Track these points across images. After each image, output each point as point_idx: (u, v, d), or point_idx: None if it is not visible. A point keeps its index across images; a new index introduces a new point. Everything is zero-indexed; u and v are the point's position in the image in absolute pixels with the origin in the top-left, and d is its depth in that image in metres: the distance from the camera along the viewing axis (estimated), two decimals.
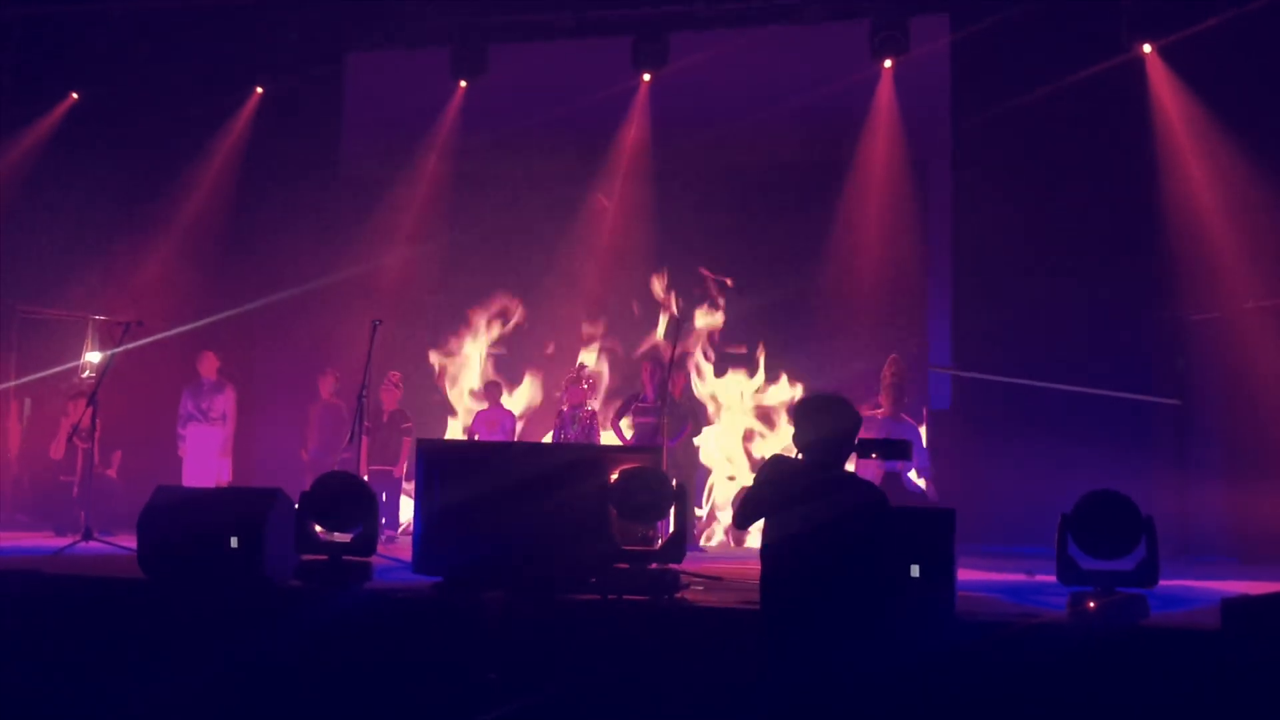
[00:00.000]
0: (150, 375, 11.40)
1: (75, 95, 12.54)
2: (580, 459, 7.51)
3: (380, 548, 7.27)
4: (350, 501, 6.91)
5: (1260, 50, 10.14)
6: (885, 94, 11.53)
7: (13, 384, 11.96)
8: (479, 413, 11.59)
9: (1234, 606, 5.29)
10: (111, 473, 11.18)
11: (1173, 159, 10.53)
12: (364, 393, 8.89)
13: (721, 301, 11.73)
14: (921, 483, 9.79)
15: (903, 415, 9.99)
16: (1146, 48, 10.65)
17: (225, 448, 11.48)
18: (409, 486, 10.67)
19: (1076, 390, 10.42)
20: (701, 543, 10.86)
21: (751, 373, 11.78)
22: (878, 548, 4.65)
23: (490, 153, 12.26)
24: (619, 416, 10.77)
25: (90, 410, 9.08)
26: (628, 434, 10.64)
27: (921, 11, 11.30)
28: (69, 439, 10.58)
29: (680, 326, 8.91)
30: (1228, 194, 10.17)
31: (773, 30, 11.61)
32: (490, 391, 11.61)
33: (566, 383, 11.07)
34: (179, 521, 6.91)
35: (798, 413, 4.79)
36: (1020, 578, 7.85)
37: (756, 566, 4.82)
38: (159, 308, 11.38)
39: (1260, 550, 9.57)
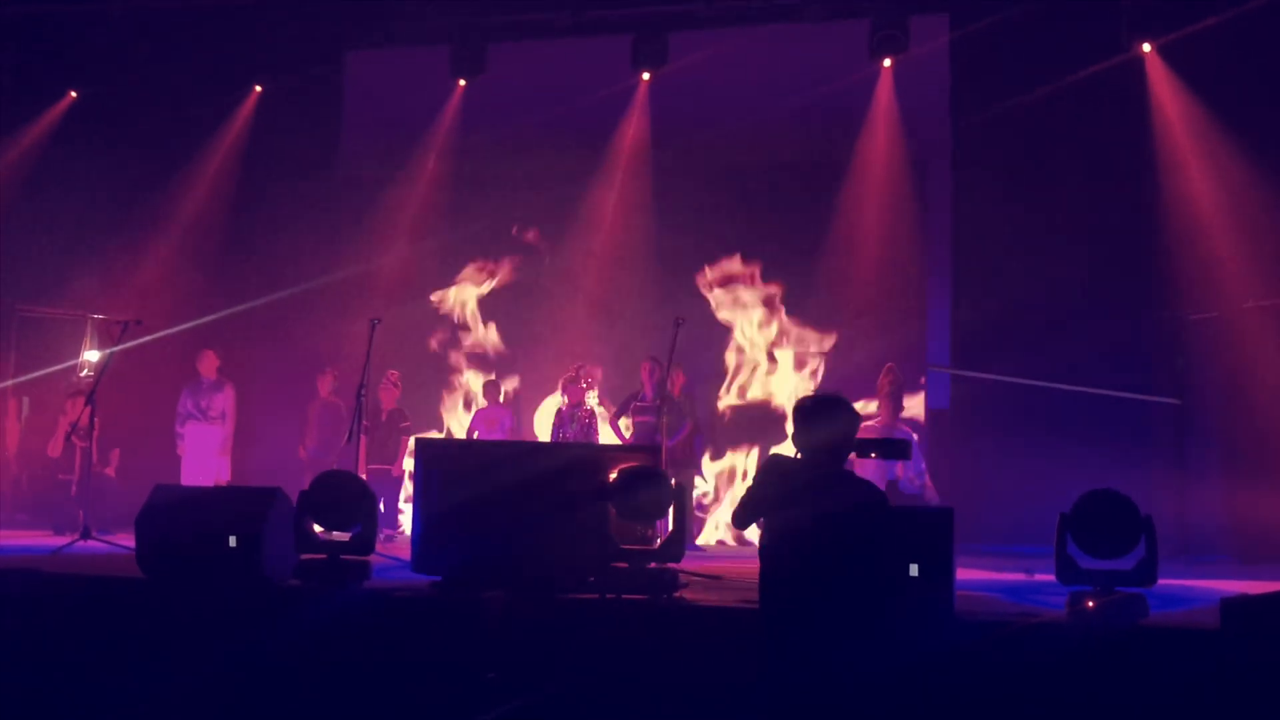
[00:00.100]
0: (149, 374, 11.40)
1: (74, 94, 12.55)
2: (579, 458, 7.51)
3: (379, 547, 7.27)
4: (349, 500, 6.90)
5: (1260, 50, 10.14)
6: (885, 93, 11.52)
7: (11, 383, 11.96)
8: (478, 411, 11.59)
9: (1233, 606, 5.28)
10: (110, 471, 11.18)
11: (1172, 158, 10.53)
12: (363, 391, 8.90)
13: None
14: (921, 482, 9.79)
15: (900, 424, 9.98)
16: (1146, 47, 10.64)
17: (224, 447, 11.48)
18: (408, 485, 10.68)
19: (1075, 390, 10.41)
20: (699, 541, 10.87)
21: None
22: (877, 547, 4.64)
23: (489, 152, 12.25)
24: (618, 415, 10.77)
25: (89, 409, 9.07)
26: (626, 433, 10.64)
27: (921, 11, 11.30)
28: (67, 438, 10.59)
29: (679, 325, 8.89)
30: (1227, 193, 10.17)
31: (772, 29, 11.61)
32: (489, 390, 11.61)
33: (565, 382, 11.07)
34: (178, 520, 6.91)
35: (797, 412, 4.78)
36: (1019, 577, 7.85)
37: (756, 565, 4.82)
38: (158, 306, 11.38)
39: (1259, 549, 9.57)
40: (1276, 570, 8.34)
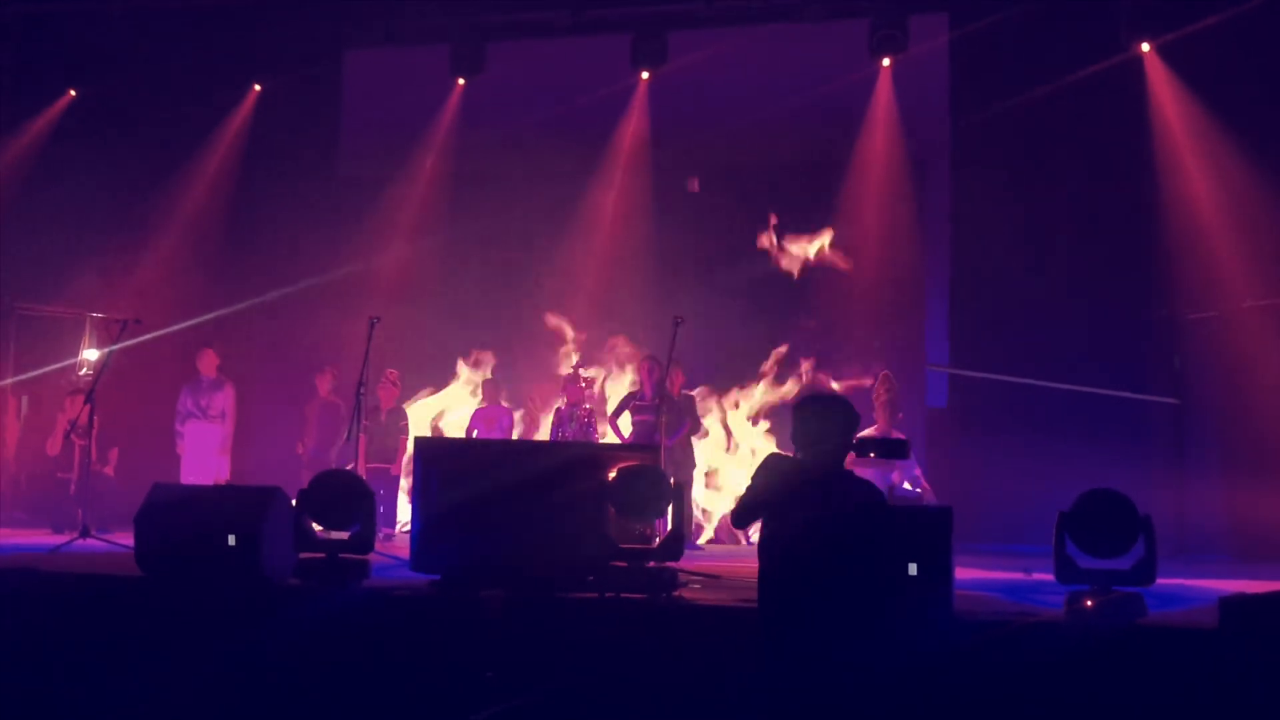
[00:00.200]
0: (148, 373, 11.41)
1: (73, 92, 12.54)
2: (578, 457, 7.52)
3: (378, 545, 7.27)
4: (348, 499, 6.90)
5: (1259, 49, 10.15)
6: (884, 92, 11.53)
7: (10, 381, 11.96)
8: (477, 410, 11.58)
9: (1232, 605, 5.28)
10: (109, 470, 11.18)
11: (1171, 158, 10.53)
12: (362, 390, 8.90)
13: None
14: (918, 490, 9.81)
15: (895, 432, 9.99)
16: (1145, 47, 10.65)
17: (224, 446, 11.48)
18: (407, 484, 10.68)
19: (1074, 389, 10.42)
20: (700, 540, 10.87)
21: None
22: (875, 546, 4.65)
23: (488, 151, 12.26)
24: (617, 414, 10.77)
25: (88, 407, 9.08)
26: (626, 432, 10.64)
27: (920, 10, 11.31)
28: (66, 436, 10.60)
29: (679, 325, 8.90)
30: (1226, 193, 10.18)
31: (772, 29, 11.62)
32: (488, 389, 11.61)
33: (564, 381, 11.07)
34: (177, 519, 6.90)
35: (796, 411, 4.78)
36: (1018, 576, 7.85)
37: (754, 565, 4.82)
38: (157, 305, 11.37)
39: (1258, 549, 9.58)
40: (1275, 569, 8.34)
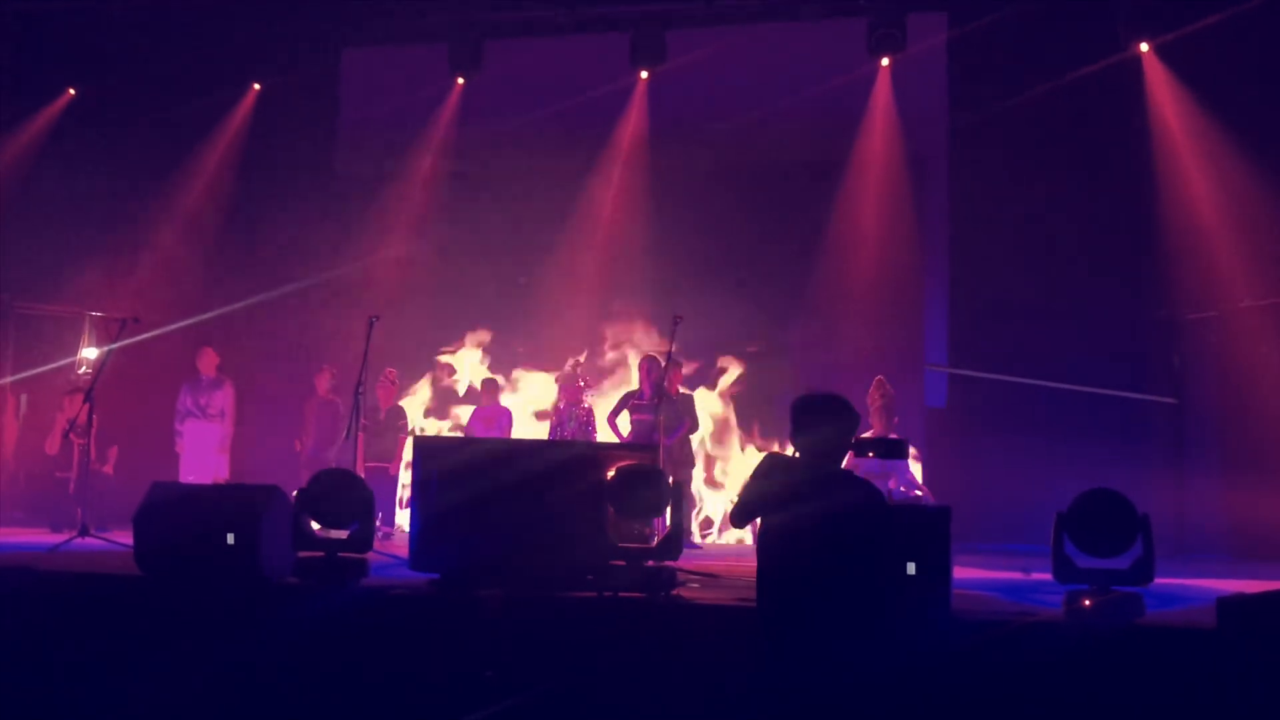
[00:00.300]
0: (147, 371, 11.40)
1: (72, 91, 12.53)
2: (577, 456, 7.52)
3: (377, 544, 7.27)
4: (347, 498, 6.90)
5: (1257, 49, 10.15)
6: (882, 91, 11.53)
7: (9, 380, 11.95)
8: (476, 410, 11.57)
9: (1230, 605, 5.29)
10: (108, 469, 11.17)
11: (1169, 158, 10.54)
12: (361, 389, 8.90)
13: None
14: (916, 492, 9.81)
15: (892, 436, 10.00)
16: (1144, 46, 10.66)
17: (223, 444, 11.47)
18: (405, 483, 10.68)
19: (1072, 389, 10.43)
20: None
21: None
22: (874, 545, 4.65)
23: (487, 150, 12.26)
24: (615, 413, 10.77)
25: (87, 406, 9.07)
26: (624, 431, 10.63)
27: (919, 9, 11.31)
28: (65, 435, 10.59)
29: (678, 324, 8.90)
30: (1224, 193, 10.18)
31: (770, 27, 11.63)
32: (487, 389, 11.60)
33: (563, 380, 11.06)
34: (175, 518, 6.91)
35: (795, 411, 4.78)
36: (1016, 576, 7.86)
37: (753, 564, 4.82)
38: (156, 304, 11.37)
39: (1256, 549, 9.59)
40: (1273, 569, 8.35)
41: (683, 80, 11.75)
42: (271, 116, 12.65)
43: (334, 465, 9.96)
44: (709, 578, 7.31)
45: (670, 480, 6.70)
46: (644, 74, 11.99)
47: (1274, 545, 9.47)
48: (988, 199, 10.97)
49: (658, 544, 6.65)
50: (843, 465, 4.89)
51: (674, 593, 6.42)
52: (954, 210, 11.50)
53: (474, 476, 6.97)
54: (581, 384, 11.00)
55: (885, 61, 11.43)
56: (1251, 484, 9.68)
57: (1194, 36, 10.07)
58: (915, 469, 10.36)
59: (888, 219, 11.41)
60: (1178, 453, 10.62)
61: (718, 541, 11.35)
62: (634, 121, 12.14)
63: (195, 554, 6.76)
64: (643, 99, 12.11)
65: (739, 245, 11.81)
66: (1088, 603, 5.75)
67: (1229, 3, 9.85)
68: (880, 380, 10.15)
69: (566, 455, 7.72)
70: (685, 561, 6.96)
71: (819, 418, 4.72)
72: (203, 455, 11.27)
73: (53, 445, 11.00)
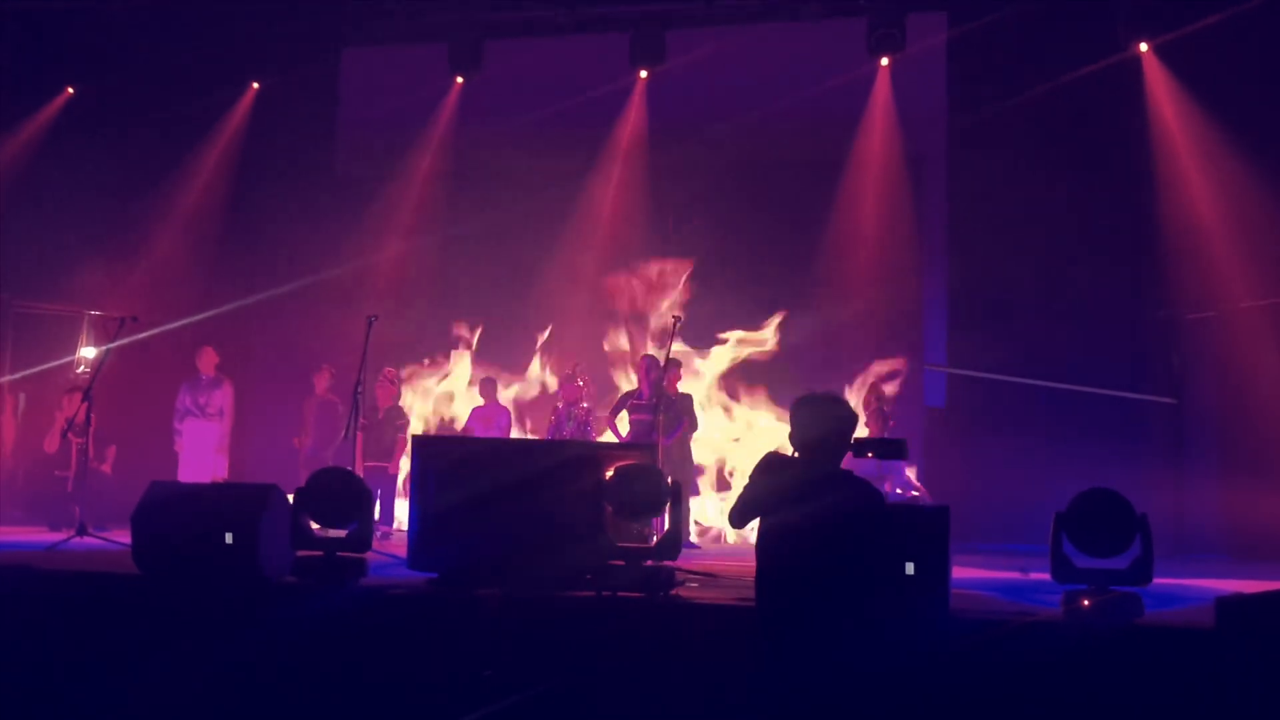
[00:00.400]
0: (145, 370, 11.40)
1: (71, 90, 12.52)
2: (576, 456, 7.51)
3: (375, 544, 7.26)
4: (346, 498, 6.89)
5: (1257, 49, 10.15)
6: (882, 91, 11.55)
7: (7, 379, 11.95)
8: (474, 409, 11.57)
9: (1228, 605, 5.28)
10: (106, 468, 11.16)
11: (1169, 158, 10.55)
12: (359, 388, 8.90)
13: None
14: (913, 493, 9.82)
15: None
16: (1143, 46, 10.66)
17: (222, 444, 11.47)
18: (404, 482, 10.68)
19: (1071, 388, 10.43)
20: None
21: None
22: (873, 545, 4.65)
23: (486, 149, 12.25)
24: (614, 413, 10.77)
25: (85, 405, 9.07)
26: (623, 430, 10.63)
27: (918, 9, 11.31)
28: (63, 434, 10.58)
29: (677, 323, 8.92)
30: (1223, 193, 10.19)
31: (770, 27, 11.64)
32: (486, 388, 11.60)
33: (562, 380, 11.06)
34: (174, 517, 6.90)
35: (794, 410, 4.77)
36: (1015, 576, 7.86)
37: (752, 563, 4.82)
38: (155, 303, 11.37)
39: (1255, 549, 9.59)
40: (1272, 569, 8.35)
41: (682, 80, 11.75)
42: (271, 116, 12.65)
43: (333, 464, 9.95)
44: (708, 577, 7.31)
45: (669, 480, 6.70)
46: (644, 74, 12.00)
47: (1273, 545, 9.47)
48: (987, 199, 10.97)
49: (656, 544, 6.64)
50: (841, 465, 4.89)
51: (673, 592, 6.41)
52: (953, 210, 11.50)
53: (473, 476, 6.97)
54: (580, 384, 11.00)
55: (885, 61, 11.44)
56: (1250, 484, 9.69)
57: (1193, 36, 10.08)
58: (909, 470, 10.37)
59: (887, 219, 11.42)
60: (1177, 453, 10.62)
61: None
62: (633, 121, 12.15)
63: (194, 553, 6.75)
64: (642, 99, 12.12)
65: (739, 245, 11.81)
66: (1086, 603, 5.75)
67: (1229, 3, 9.85)
68: (875, 383, 10.16)
69: (565, 455, 7.72)
70: (684, 561, 6.96)
71: (818, 417, 4.72)
72: (201, 454, 11.27)
73: (51, 444, 10.99)
